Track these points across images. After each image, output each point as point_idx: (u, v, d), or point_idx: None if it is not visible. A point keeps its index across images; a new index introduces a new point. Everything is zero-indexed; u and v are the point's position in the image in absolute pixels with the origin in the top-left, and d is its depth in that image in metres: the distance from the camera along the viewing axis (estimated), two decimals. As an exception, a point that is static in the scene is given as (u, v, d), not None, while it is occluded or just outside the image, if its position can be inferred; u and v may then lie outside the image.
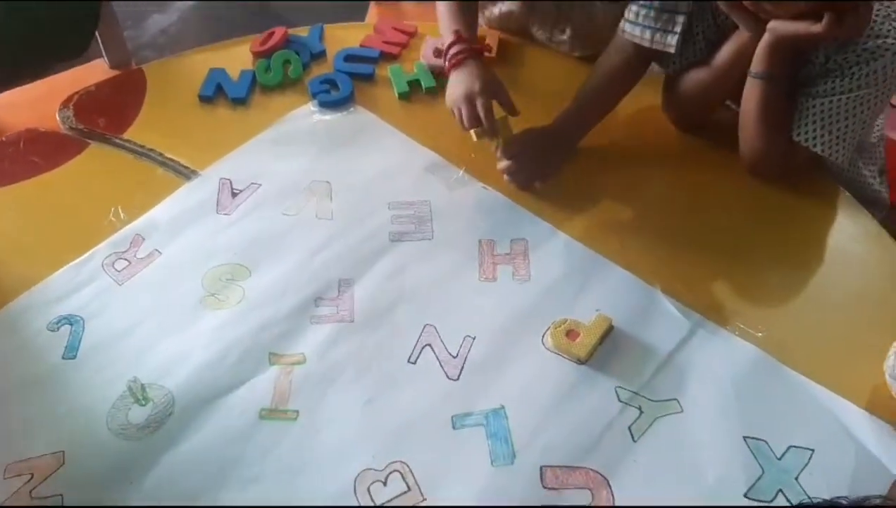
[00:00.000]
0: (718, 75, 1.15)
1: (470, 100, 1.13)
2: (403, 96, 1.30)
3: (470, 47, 1.18)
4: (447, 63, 1.19)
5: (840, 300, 1.06)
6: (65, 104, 1.27)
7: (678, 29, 1.13)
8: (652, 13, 1.14)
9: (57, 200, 1.14)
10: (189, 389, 0.93)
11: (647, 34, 1.15)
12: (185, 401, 0.92)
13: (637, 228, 1.12)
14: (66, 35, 1.44)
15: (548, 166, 1.17)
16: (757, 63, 1.09)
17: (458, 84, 1.16)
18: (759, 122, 1.12)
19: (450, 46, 1.19)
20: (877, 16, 1.05)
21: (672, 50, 1.14)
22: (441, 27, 1.24)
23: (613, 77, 1.21)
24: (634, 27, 1.16)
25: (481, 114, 1.12)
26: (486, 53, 1.31)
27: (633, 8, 1.16)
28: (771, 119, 1.12)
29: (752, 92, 1.11)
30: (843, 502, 0.58)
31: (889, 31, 1.05)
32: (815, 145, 1.11)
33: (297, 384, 0.94)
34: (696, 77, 1.18)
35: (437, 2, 1.26)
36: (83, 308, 1.01)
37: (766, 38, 1.06)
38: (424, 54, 1.35)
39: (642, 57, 1.20)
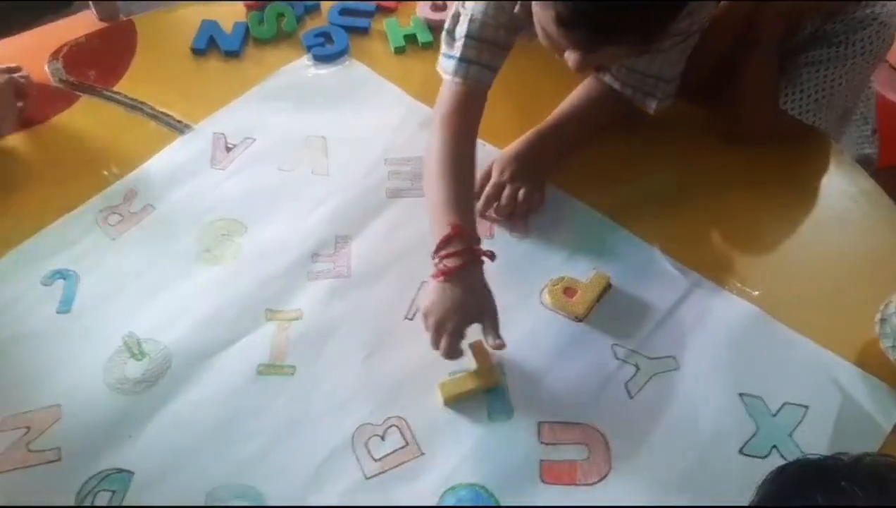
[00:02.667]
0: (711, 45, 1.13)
1: (455, 326, 0.89)
2: (399, 50, 1.28)
3: (471, 249, 0.92)
4: (438, 265, 0.91)
5: (835, 258, 1.06)
6: (54, 56, 1.25)
7: (659, 95, 1.09)
8: (636, 76, 1.09)
9: (48, 153, 1.12)
10: (186, 344, 0.92)
11: (628, 91, 1.10)
12: (181, 356, 0.91)
13: (636, 188, 1.11)
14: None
15: (539, 189, 1.07)
16: (762, 38, 1.08)
17: (445, 300, 0.89)
18: (748, 89, 1.12)
19: (445, 241, 0.91)
20: None
21: (651, 111, 1.10)
22: (432, 204, 0.97)
23: (598, 110, 1.13)
24: (615, 81, 1.11)
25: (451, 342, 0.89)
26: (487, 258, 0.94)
27: (615, 66, 1.10)
28: (759, 87, 1.11)
29: (741, 59, 1.11)
30: (844, 459, 0.58)
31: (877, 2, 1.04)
32: (800, 114, 1.11)
33: (295, 339, 0.93)
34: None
35: (429, 160, 1.01)
36: (77, 262, 1.00)
37: (758, 5, 1.05)
38: (421, 8, 1.32)
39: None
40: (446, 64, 1.04)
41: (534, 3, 0.87)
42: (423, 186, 1.02)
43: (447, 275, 0.89)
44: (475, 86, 1.02)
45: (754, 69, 1.10)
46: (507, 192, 1.06)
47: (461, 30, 1.01)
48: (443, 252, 0.91)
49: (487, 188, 1.06)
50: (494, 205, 1.06)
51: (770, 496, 0.60)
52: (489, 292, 0.91)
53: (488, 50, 1.01)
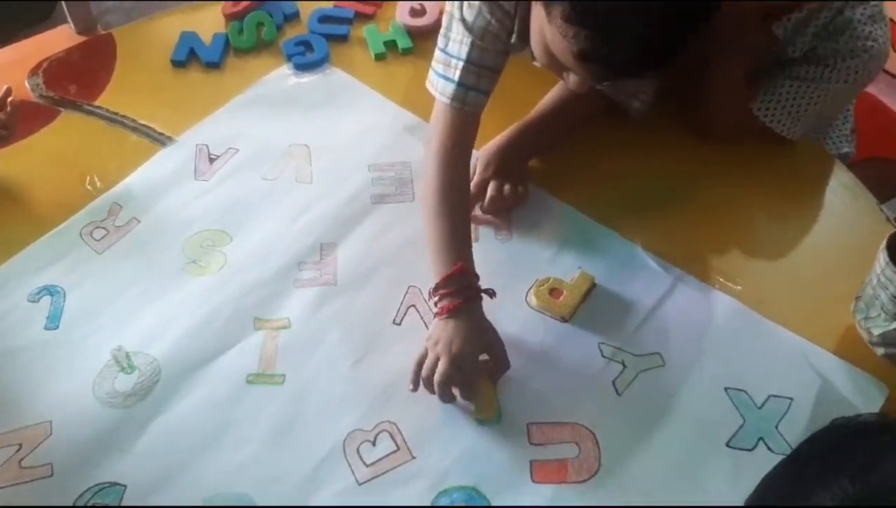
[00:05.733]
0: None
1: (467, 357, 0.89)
2: (380, 57, 1.29)
3: (473, 287, 0.93)
4: (439, 302, 0.92)
5: (816, 251, 1.08)
6: (34, 71, 1.24)
7: (642, 96, 1.10)
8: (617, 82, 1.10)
9: (30, 169, 1.12)
10: (175, 356, 0.92)
11: (610, 92, 1.12)
12: (171, 368, 0.91)
13: (617, 185, 1.12)
14: (27, 2, 1.40)
15: (523, 182, 1.09)
16: (739, 38, 1.09)
17: (451, 332, 0.89)
18: (713, 87, 1.13)
19: (447, 279, 0.92)
20: (862, 16, 1.06)
21: (632, 111, 1.12)
22: (432, 239, 0.97)
23: (578, 105, 1.13)
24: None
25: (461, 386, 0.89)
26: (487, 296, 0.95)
27: None
28: (725, 85, 1.12)
29: (714, 59, 1.12)
30: (852, 423, 0.59)
31: (870, 32, 1.05)
32: (771, 122, 1.12)
33: (283, 348, 0.94)
34: None
35: (427, 193, 1.00)
36: (63, 278, 1.00)
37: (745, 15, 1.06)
38: (400, 14, 1.33)
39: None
40: (442, 85, 1.01)
41: (544, 26, 0.86)
42: (422, 215, 0.99)
43: (451, 311, 0.90)
44: (472, 112, 1.02)
45: (719, 66, 1.11)
46: (491, 188, 1.06)
47: (460, 52, 0.99)
48: (443, 290, 0.91)
49: (471, 186, 1.06)
50: (479, 203, 1.07)
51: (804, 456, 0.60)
52: (492, 326, 0.92)
53: (486, 76, 1.00)
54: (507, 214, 1.08)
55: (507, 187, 1.06)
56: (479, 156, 1.08)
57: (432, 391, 0.89)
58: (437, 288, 0.92)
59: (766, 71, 1.12)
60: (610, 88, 1.11)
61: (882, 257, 0.89)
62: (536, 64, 1.00)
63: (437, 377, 0.87)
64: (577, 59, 0.84)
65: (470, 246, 0.97)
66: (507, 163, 1.08)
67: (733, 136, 1.16)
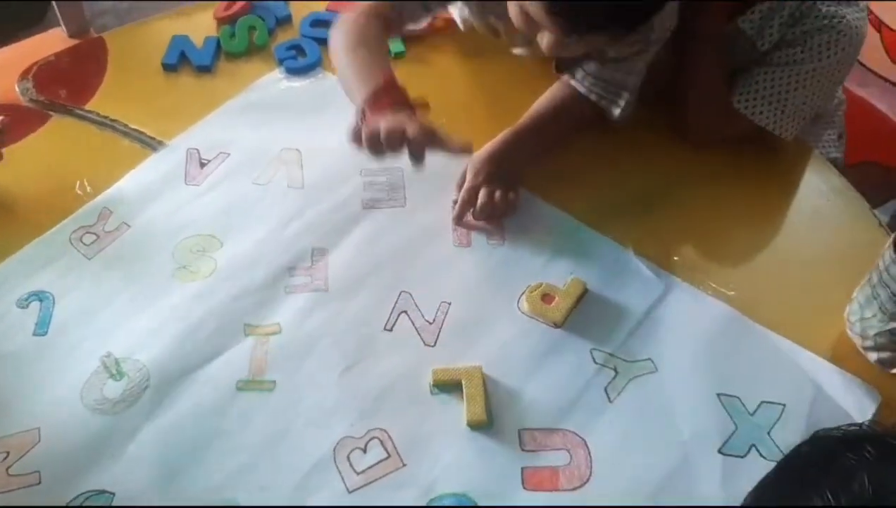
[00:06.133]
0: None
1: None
2: (372, 61, 1.28)
3: (406, 102, 0.98)
4: (370, 111, 0.96)
5: (808, 256, 1.07)
6: (24, 75, 1.24)
7: (622, 104, 1.11)
8: (600, 83, 1.11)
9: (20, 174, 1.11)
10: (164, 362, 0.92)
11: (593, 97, 1.12)
12: (160, 375, 0.91)
13: (608, 190, 1.12)
14: (21, 4, 1.40)
15: (514, 188, 1.08)
16: (701, 29, 1.11)
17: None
18: (694, 85, 1.14)
19: (376, 94, 0.97)
20: None
21: (614, 118, 1.12)
22: (346, 77, 1.04)
23: (568, 116, 1.14)
24: (581, 86, 1.13)
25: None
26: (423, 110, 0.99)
27: (580, 73, 1.12)
28: (714, 86, 1.13)
29: (694, 59, 1.13)
30: (836, 434, 0.59)
31: (836, 11, 1.06)
32: (752, 114, 1.12)
33: (274, 354, 0.93)
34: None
35: (336, 48, 1.06)
36: (52, 284, 0.99)
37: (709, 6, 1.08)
38: (392, 18, 1.33)
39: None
40: None
41: None
42: (338, 75, 1.05)
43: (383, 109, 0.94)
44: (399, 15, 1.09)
45: (694, 65, 1.12)
46: (482, 194, 1.06)
47: None
48: (372, 103, 0.95)
49: (462, 193, 1.06)
50: (471, 210, 1.07)
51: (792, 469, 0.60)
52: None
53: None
54: (499, 220, 1.07)
55: (497, 194, 1.06)
56: (469, 163, 1.08)
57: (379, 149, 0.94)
58: (365, 102, 0.96)
59: (741, 70, 1.13)
60: (594, 88, 1.11)
61: (888, 255, 0.88)
62: (517, 52, 1.01)
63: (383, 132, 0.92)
64: (547, 13, 0.87)
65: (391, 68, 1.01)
66: (497, 170, 1.07)
67: (713, 137, 1.16)
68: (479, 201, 1.06)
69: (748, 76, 1.12)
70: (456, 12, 1.24)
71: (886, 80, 1.60)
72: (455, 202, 1.07)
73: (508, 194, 1.07)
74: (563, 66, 1.16)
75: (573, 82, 1.13)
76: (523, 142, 1.11)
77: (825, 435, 0.59)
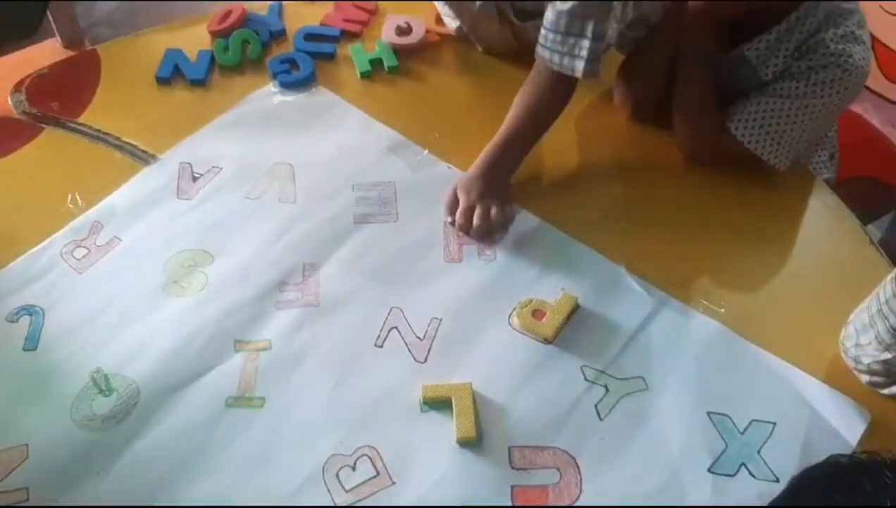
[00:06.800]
0: (659, 55, 1.16)
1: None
2: (365, 76, 1.29)
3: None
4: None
5: (800, 274, 1.08)
6: (17, 88, 1.23)
7: (584, 54, 1.08)
8: (558, 37, 1.09)
9: (12, 187, 1.11)
10: (154, 378, 0.91)
11: (556, 58, 1.10)
12: (150, 391, 0.90)
13: (601, 207, 1.12)
14: (16, 16, 1.40)
15: (508, 202, 1.10)
16: (683, 43, 1.11)
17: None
18: (689, 105, 1.14)
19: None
20: (834, 35, 1.06)
21: (579, 75, 1.10)
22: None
23: (541, 98, 1.14)
24: (544, 50, 1.11)
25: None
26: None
27: (542, 31, 1.11)
28: (699, 102, 1.13)
29: (680, 72, 1.13)
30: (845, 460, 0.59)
31: (843, 49, 1.06)
32: (748, 141, 1.12)
33: (263, 370, 0.93)
34: (645, 63, 1.19)
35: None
36: (42, 298, 0.99)
37: (688, 16, 1.09)
38: (386, 33, 1.33)
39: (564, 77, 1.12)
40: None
41: None
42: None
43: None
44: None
45: (682, 79, 1.13)
46: (478, 212, 1.06)
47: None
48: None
49: (458, 215, 1.07)
50: (469, 229, 1.07)
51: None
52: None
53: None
54: (499, 235, 1.08)
55: (493, 211, 1.06)
56: (458, 184, 1.09)
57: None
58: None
59: (742, 95, 1.13)
60: (554, 47, 1.09)
61: (889, 287, 0.88)
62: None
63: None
64: None
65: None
66: (488, 187, 1.08)
67: (702, 154, 1.16)
68: (476, 222, 1.06)
69: (747, 102, 1.12)
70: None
71: (880, 95, 1.61)
72: (452, 225, 1.08)
73: (504, 209, 1.08)
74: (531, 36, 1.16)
75: (538, 50, 1.11)
76: (506, 153, 1.11)
77: (835, 462, 0.59)
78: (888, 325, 0.88)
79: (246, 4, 1.37)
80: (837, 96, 1.08)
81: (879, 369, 0.91)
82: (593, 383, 0.93)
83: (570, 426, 0.90)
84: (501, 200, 1.08)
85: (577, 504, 0.84)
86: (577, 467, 0.86)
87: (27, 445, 0.86)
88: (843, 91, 1.07)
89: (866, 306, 0.93)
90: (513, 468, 0.86)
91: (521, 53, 1.23)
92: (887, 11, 1.59)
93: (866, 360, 0.92)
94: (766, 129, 1.10)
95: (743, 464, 0.87)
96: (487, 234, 1.07)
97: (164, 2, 1.96)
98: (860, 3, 1.11)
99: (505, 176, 1.12)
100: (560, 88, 1.13)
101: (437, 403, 0.90)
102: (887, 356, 0.89)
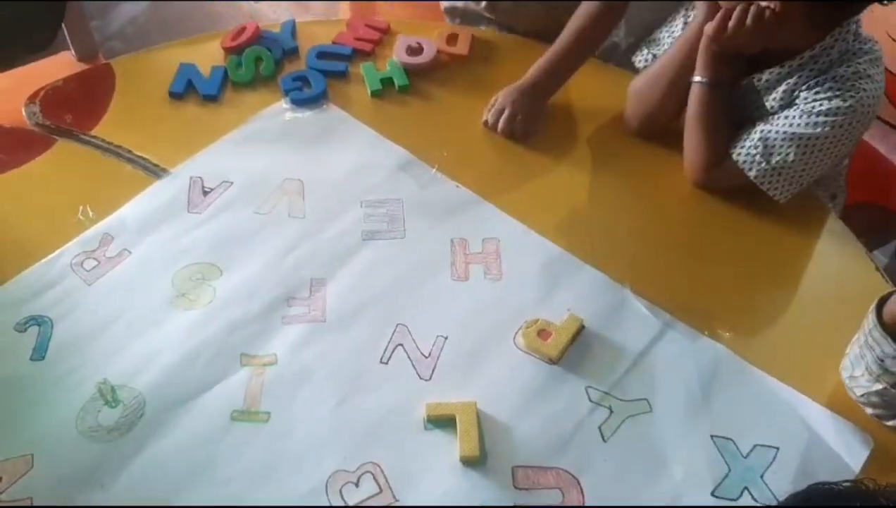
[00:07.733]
0: (672, 77, 1.17)
1: None
2: (376, 94, 1.30)
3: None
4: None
5: (805, 299, 1.08)
6: (31, 99, 1.25)
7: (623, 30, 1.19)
8: None
9: (24, 198, 1.12)
10: (160, 390, 0.92)
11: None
12: (155, 403, 0.91)
13: (608, 228, 1.13)
14: (31, 29, 1.42)
15: (534, 119, 1.25)
16: (696, 67, 1.12)
17: None
18: (696, 128, 1.15)
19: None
20: (846, 72, 1.07)
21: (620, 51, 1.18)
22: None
23: (592, 17, 1.25)
24: None
25: None
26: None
27: None
28: (707, 126, 1.14)
29: (691, 97, 1.14)
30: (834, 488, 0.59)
31: (853, 85, 1.06)
32: (748, 170, 1.12)
33: (269, 385, 0.94)
34: (655, 83, 1.20)
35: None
36: (51, 308, 0.99)
37: (702, 41, 1.10)
38: (397, 52, 1.34)
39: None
40: None
41: None
42: None
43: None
44: None
45: (702, 108, 1.14)
46: (505, 115, 1.24)
47: None
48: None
49: (490, 114, 1.25)
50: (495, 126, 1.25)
51: None
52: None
53: None
54: (524, 137, 1.24)
55: (519, 119, 1.24)
56: (503, 91, 1.26)
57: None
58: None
59: (748, 123, 1.14)
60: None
61: (870, 318, 0.89)
62: None
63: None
64: None
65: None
66: (524, 99, 1.25)
67: (711, 180, 1.17)
68: (501, 125, 1.24)
69: (752, 131, 1.12)
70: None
71: (886, 122, 1.61)
72: (485, 123, 1.26)
73: (528, 121, 1.24)
74: None
75: None
76: (549, 75, 1.27)
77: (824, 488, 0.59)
78: (875, 355, 0.88)
79: (260, 22, 1.38)
80: (840, 131, 1.07)
81: (877, 401, 0.91)
82: (597, 404, 0.94)
83: (574, 447, 0.90)
84: (529, 114, 1.24)
85: (579, 525, 0.84)
86: (581, 488, 0.86)
87: (32, 454, 0.87)
88: (846, 127, 1.07)
89: (856, 337, 0.93)
90: (516, 487, 0.86)
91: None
92: (894, 39, 1.60)
93: (860, 392, 0.92)
94: (767, 158, 1.11)
95: (746, 488, 0.87)
96: (509, 135, 1.24)
97: (177, 18, 1.98)
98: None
99: (541, 96, 1.28)
100: (608, 14, 1.25)
101: (441, 421, 0.91)
102: (878, 386, 0.89)
